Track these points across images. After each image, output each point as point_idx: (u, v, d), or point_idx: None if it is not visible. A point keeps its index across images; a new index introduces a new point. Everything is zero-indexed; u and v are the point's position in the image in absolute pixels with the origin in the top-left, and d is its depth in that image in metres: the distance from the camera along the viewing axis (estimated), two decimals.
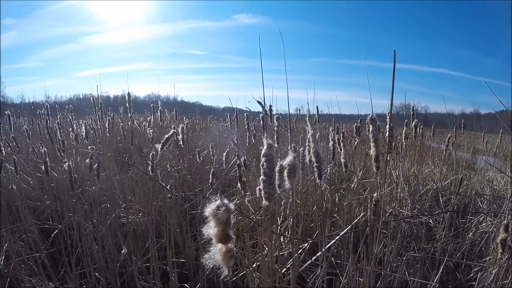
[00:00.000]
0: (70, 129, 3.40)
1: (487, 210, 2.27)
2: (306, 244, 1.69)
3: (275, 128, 1.82)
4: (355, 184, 2.66)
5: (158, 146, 1.53)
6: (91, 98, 3.26)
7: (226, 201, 0.62)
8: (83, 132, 2.96)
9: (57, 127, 2.88)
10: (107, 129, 3.20)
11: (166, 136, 1.50)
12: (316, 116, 3.14)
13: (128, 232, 1.93)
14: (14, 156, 2.19)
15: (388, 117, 1.29)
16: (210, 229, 0.64)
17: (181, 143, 1.96)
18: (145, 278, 1.72)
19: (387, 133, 1.36)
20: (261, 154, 0.90)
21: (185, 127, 1.97)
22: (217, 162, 2.57)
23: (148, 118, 4.17)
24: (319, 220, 1.92)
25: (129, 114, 2.87)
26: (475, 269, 1.81)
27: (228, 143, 3.08)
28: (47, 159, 1.99)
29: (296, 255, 1.46)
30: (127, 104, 2.77)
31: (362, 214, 2.06)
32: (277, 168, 0.98)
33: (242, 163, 1.81)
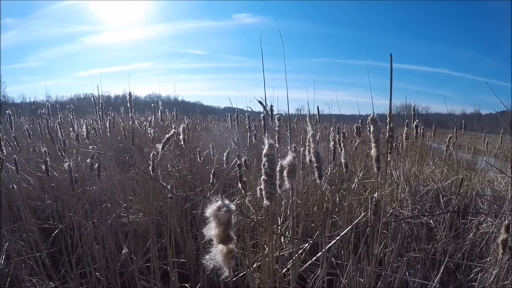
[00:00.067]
0: (71, 129, 3.41)
1: (487, 210, 2.26)
2: (307, 244, 1.69)
3: (276, 128, 1.82)
4: (355, 185, 2.65)
5: (159, 146, 1.53)
6: (92, 98, 3.26)
7: (227, 201, 0.62)
8: (84, 131, 2.96)
9: (58, 126, 2.89)
10: (108, 129, 3.20)
11: (167, 136, 1.50)
12: (317, 116, 3.14)
13: (129, 232, 1.93)
14: (15, 156, 2.20)
15: (388, 118, 1.29)
16: (211, 230, 0.64)
17: (182, 143, 1.96)
18: (145, 278, 1.73)
19: (388, 133, 1.36)
20: (263, 154, 0.91)
21: (186, 127, 1.97)
22: (217, 162, 2.57)
23: (149, 118, 4.17)
24: (319, 220, 1.92)
25: (130, 114, 2.87)
26: (475, 270, 1.81)
27: (229, 143, 3.08)
28: (48, 159, 1.99)
29: (296, 255, 1.46)
30: (128, 104, 2.77)
31: (362, 214, 2.06)
32: (277, 168, 0.98)
33: (243, 163, 1.81)
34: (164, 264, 1.74)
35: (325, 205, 2.13)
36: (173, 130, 1.55)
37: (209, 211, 0.62)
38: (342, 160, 1.84)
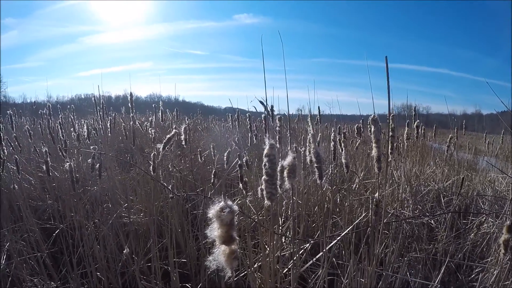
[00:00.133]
0: (72, 129, 3.41)
1: (488, 211, 2.26)
2: (308, 244, 1.69)
3: (277, 128, 1.82)
4: (356, 185, 2.65)
5: (160, 146, 1.53)
6: (93, 98, 3.26)
7: (230, 202, 0.62)
8: (85, 132, 2.96)
9: (59, 127, 2.88)
10: (109, 129, 3.20)
11: (168, 136, 1.50)
12: (318, 116, 3.14)
13: (130, 232, 1.93)
14: (16, 156, 2.20)
15: (389, 118, 1.29)
16: (214, 231, 0.64)
17: (183, 143, 1.96)
18: (146, 278, 1.73)
19: (389, 133, 1.36)
20: (264, 154, 0.91)
21: (187, 127, 1.97)
22: (218, 162, 2.57)
23: (150, 118, 4.17)
24: (320, 221, 1.92)
25: (131, 114, 2.87)
26: (476, 270, 1.81)
27: (229, 143, 3.08)
28: (49, 159, 1.99)
29: (297, 255, 1.46)
30: (129, 104, 2.77)
31: (363, 214, 2.06)
32: (278, 168, 0.98)
33: (244, 163, 1.81)
34: (165, 264, 1.74)
35: (326, 205, 2.13)
36: (174, 130, 1.55)
37: (212, 212, 0.62)
38: (343, 160, 1.84)
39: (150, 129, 3.42)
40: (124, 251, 1.64)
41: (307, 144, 1.52)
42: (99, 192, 2.23)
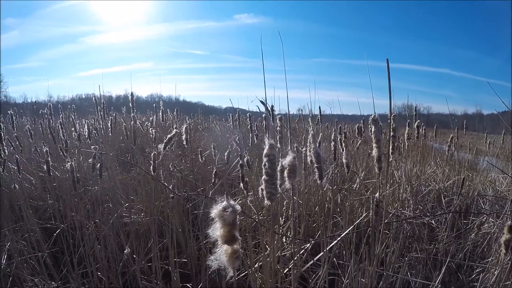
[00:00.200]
0: (73, 129, 3.41)
1: (489, 211, 2.26)
2: (308, 244, 1.69)
3: (278, 128, 1.82)
4: (357, 185, 2.65)
5: (161, 146, 1.53)
6: (93, 98, 3.26)
7: (232, 202, 0.62)
8: (85, 131, 2.96)
9: (59, 126, 2.89)
10: (110, 129, 3.20)
11: (169, 136, 1.50)
12: (319, 116, 3.14)
13: (131, 232, 1.93)
14: (16, 156, 2.20)
15: (390, 119, 1.29)
16: (216, 230, 0.64)
17: (184, 143, 1.96)
18: (147, 278, 1.73)
19: (390, 133, 1.36)
20: (263, 154, 0.91)
21: (188, 127, 1.97)
22: (219, 162, 2.57)
23: (151, 118, 4.17)
24: (321, 221, 1.92)
25: (132, 114, 2.87)
26: (477, 270, 1.81)
27: (230, 143, 3.08)
28: (50, 159, 1.99)
29: (298, 255, 1.46)
30: (129, 104, 2.77)
31: (364, 214, 2.06)
32: (278, 168, 0.98)
33: (245, 163, 1.81)
34: (166, 264, 1.74)
35: (326, 205, 2.13)
36: (175, 130, 1.55)
37: (215, 211, 0.62)
38: (344, 160, 1.84)
39: (151, 129, 3.42)
40: (125, 251, 1.64)
41: (308, 144, 1.52)
42: (100, 192, 2.23)
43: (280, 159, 1.02)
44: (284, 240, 1.79)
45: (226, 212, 0.61)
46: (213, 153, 2.57)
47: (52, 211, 2.33)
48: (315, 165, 1.26)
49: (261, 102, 1.73)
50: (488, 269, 1.61)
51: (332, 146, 2.07)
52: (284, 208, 2.01)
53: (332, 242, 1.56)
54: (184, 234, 1.96)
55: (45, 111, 3.66)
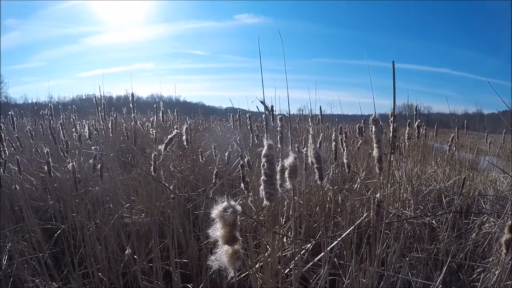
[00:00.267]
0: (73, 130, 3.41)
1: (490, 210, 2.26)
2: (309, 244, 1.69)
3: (278, 128, 1.82)
4: (358, 185, 2.65)
5: (161, 147, 1.53)
6: (94, 99, 3.26)
7: (233, 202, 0.62)
8: (86, 132, 2.96)
9: (60, 127, 2.89)
10: (110, 130, 3.21)
11: (170, 136, 1.50)
12: (319, 116, 3.14)
13: (131, 232, 1.94)
14: (17, 156, 2.20)
15: (391, 119, 1.29)
16: (217, 231, 0.64)
17: (185, 144, 1.97)
18: (148, 278, 1.73)
19: (391, 134, 1.36)
20: (262, 155, 0.91)
21: (188, 128, 1.97)
22: (220, 162, 2.57)
23: (151, 119, 4.18)
24: (322, 221, 1.92)
25: (133, 115, 2.87)
26: (478, 270, 1.81)
27: (231, 143, 3.09)
28: (50, 159, 2.00)
29: (299, 255, 1.46)
30: (130, 104, 2.77)
31: (365, 214, 2.06)
32: (278, 168, 0.98)
33: (246, 164, 1.81)
34: (167, 265, 1.74)
35: (327, 206, 2.13)
36: (175, 130, 1.55)
37: (215, 212, 0.62)
38: (345, 160, 1.84)
39: (151, 129, 3.42)
40: (126, 252, 1.64)
41: (308, 145, 1.52)
42: (101, 192, 2.23)
43: (280, 159, 1.02)
44: (285, 240, 1.79)
45: (227, 212, 0.61)
46: (213, 153, 2.57)
47: (52, 211, 2.33)
48: (315, 165, 1.26)
49: (261, 102, 1.73)
50: (489, 269, 1.60)
51: (333, 146, 2.07)
52: (285, 208, 2.01)
53: (333, 242, 1.56)
54: (185, 234, 1.96)
55: (46, 112, 3.66)
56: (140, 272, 1.62)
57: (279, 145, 1.68)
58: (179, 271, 1.60)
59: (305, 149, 1.86)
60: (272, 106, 2.25)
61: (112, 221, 1.92)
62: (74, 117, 3.71)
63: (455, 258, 1.91)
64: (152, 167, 1.69)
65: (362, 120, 2.97)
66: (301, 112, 4.40)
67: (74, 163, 1.75)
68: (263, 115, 2.33)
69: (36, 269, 1.76)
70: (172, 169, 2.47)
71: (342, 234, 1.56)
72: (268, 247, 1.51)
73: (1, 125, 2.38)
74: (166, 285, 1.69)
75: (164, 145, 1.52)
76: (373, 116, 1.20)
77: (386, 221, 1.43)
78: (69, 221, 2.07)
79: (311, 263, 1.54)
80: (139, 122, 3.92)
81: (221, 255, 0.65)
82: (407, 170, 2.73)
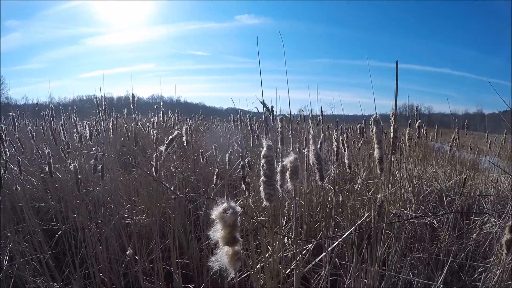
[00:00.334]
0: (74, 130, 3.41)
1: (491, 210, 2.25)
2: (310, 245, 1.69)
3: (279, 129, 1.82)
4: (359, 185, 2.65)
5: (162, 147, 1.53)
6: (95, 99, 3.26)
7: (233, 203, 0.62)
8: (87, 133, 2.97)
9: (61, 128, 2.90)
10: (111, 130, 3.21)
11: (170, 137, 1.50)
12: (320, 116, 3.14)
13: (132, 233, 1.94)
14: (18, 157, 2.20)
15: (392, 119, 1.29)
16: (217, 232, 0.64)
17: (185, 144, 1.97)
18: (149, 279, 1.73)
19: (392, 134, 1.36)
20: (261, 156, 0.91)
21: (189, 128, 1.98)
22: (220, 163, 2.57)
23: (152, 119, 4.18)
24: (323, 221, 1.92)
25: (133, 115, 2.88)
26: (479, 270, 1.80)
27: (231, 144, 3.09)
28: (51, 160, 2.00)
29: (300, 256, 1.46)
30: (131, 105, 2.78)
31: (366, 215, 2.06)
32: (278, 169, 0.98)
33: (246, 164, 1.81)
34: (168, 265, 1.74)
35: (328, 206, 2.13)
36: (176, 131, 1.55)
37: (215, 213, 0.62)
38: (346, 161, 1.84)
39: (152, 130, 3.42)
40: (127, 252, 1.64)
41: (309, 145, 1.52)
42: (102, 193, 2.23)
43: (281, 160, 1.02)
44: (286, 240, 1.79)
45: (227, 214, 0.61)
46: (214, 154, 2.57)
47: (53, 212, 2.33)
48: (316, 166, 1.27)
49: (261, 102, 1.73)
50: (490, 269, 1.60)
51: (334, 146, 2.07)
52: (285, 208, 2.01)
53: (334, 242, 1.56)
54: (186, 235, 1.97)
55: (47, 113, 3.67)
56: (141, 272, 1.63)
57: (279, 146, 1.68)
58: (180, 272, 1.60)
59: (305, 149, 1.86)
60: (272, 107, 2.26)
61: (113, 222, 1.92)
62: (75, 118, 3.72)
63: (456, 258, 1.91)
64: (153, 168, 1.69)
65: (363, 121, 2.97)
66: (302, 112, 4.40)
67: (76, 164, 1.75)
68: (263, 116, 2.33)
69: (37, 269, 1.76)
70: (173, 170, 2.47)
71: (343, 235, 1.56)
72: (269, 247, 1.51)
73: (2, 126, 2.39)
74: (167, 286, 1.69)
75: (165, 146, 1.52)
76: (374, 116, 1.20)
77: (387, 221, 1.43)
78: (70, 222, 2.08)
79: (312, 264, 1.54)
80: (140, 123, 3.92)
81: (222, 256, 0.65)
82: (408, 170, 2.73)
